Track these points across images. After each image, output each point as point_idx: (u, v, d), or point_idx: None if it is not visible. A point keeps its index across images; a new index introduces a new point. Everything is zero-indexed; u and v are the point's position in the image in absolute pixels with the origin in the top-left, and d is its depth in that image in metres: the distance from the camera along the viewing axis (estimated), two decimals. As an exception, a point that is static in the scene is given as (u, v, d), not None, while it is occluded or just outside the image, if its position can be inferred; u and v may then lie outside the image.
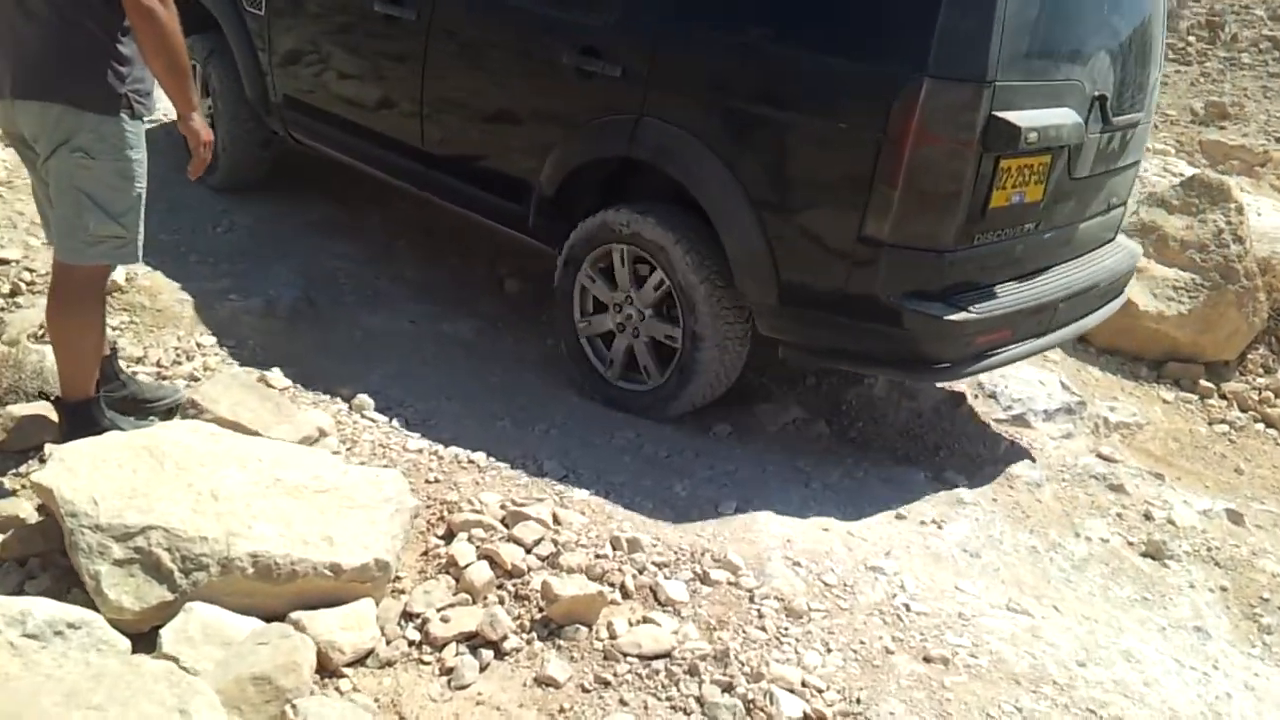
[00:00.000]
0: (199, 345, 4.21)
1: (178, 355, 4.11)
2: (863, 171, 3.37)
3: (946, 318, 3.43)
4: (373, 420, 3.74)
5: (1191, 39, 13.53)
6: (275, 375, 3.98)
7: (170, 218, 5.06)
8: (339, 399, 3.91)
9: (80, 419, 3.11)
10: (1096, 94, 3.73)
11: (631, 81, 3.82)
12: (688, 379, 3.92)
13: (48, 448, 3.05)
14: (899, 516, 3.67)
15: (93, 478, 2.68)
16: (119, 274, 4.42)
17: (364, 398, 3.89)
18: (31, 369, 3.62)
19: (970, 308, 3.48)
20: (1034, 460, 4.36)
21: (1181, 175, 8.75)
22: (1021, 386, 4.88)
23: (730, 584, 2.96)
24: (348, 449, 3.48)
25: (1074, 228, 4.07)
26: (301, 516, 2.69)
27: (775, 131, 3.62)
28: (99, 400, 3.19)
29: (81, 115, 2.88)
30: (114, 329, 4.18)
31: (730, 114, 3.69)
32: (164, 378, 3.95)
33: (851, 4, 3.50)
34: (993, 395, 4.82)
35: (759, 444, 4.13)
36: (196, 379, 3.93)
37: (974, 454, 4.34)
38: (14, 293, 4.31)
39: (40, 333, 4.00)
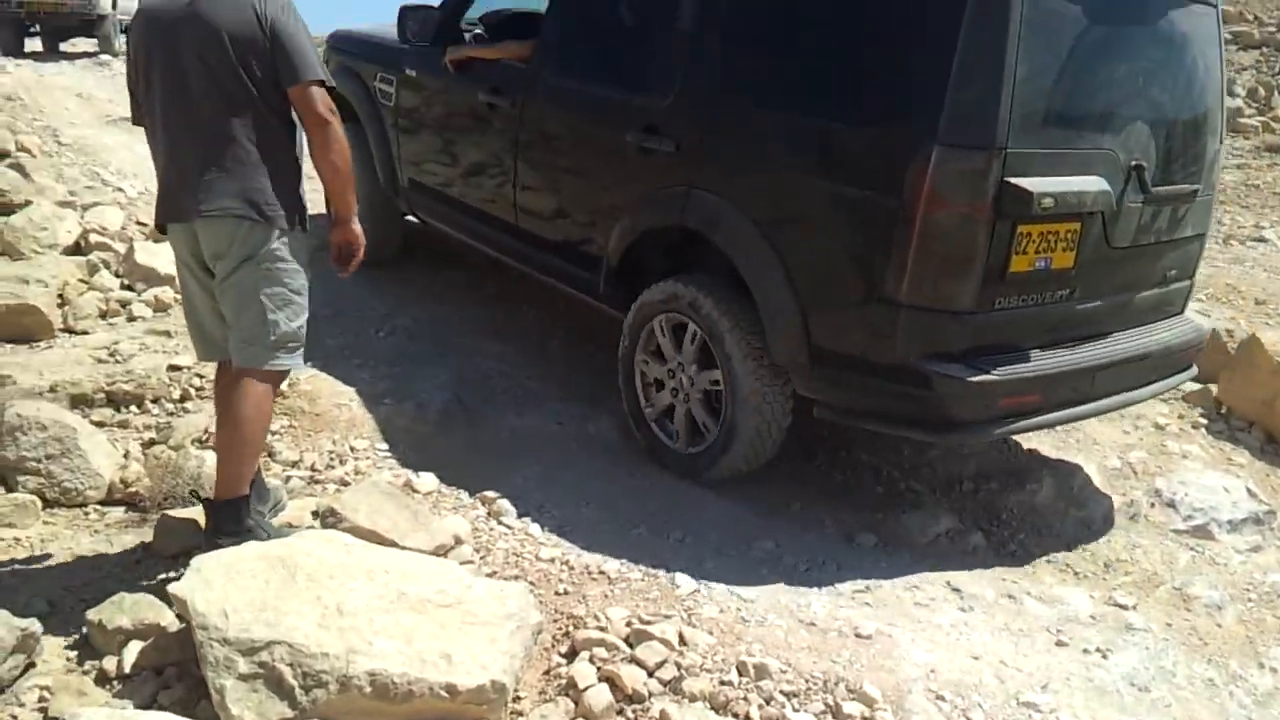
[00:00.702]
0: (352, 449, 4.33)
1: (331, 459, 4.25)
2: (882, 236, 3.51)
3: (969, 379, 3.49)
4: (509, 528, 3.75)
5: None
6: (421, 479, 4.07)
7: (334, 324, 5.30)
8: (480, 504, 3.94)
9: (229, 516, 3.24)
10: (1133, 164, 3.75)
11: (684, 156, 4.13)
12: (731, 438, 4.08)
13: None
14: (1060, 643, 3.39)
15: (226, 589, 2.75)
16: (283, 384, 4.66)
17: (503, 503, 3.91)
18: (189, 474, 3.80)
19: (993, 370, 3.53)
20: (1216, 577, 3.99)
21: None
22: (1204, 494, 4.51)
23: (864, 719, 2.78)
24: (481, 557, 3.49)
25: (1122, 298, 4.08)
26: (423, 632, 2.69)
27: (804, 198, 3.83)
28: (248, 501, 3.30)
29: (270, 230, 3.13)
30: (274, 433, 4.38)
31: (764, 183, 3.94)
32: (317, 481, 4.09)
33: (869, 77, 3.65)
34: (1171, 504, 4.48)
35: (906, 557, 3.90)
36: (347, 483, 4.05)
37: (1149, 571, 4.00)
38: (184, 398, 4.56)
39: (205, 438, 4.23)
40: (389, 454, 4.34)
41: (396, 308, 5.85)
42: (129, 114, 3.49)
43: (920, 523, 4.09)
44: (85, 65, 13.67)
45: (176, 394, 4.57)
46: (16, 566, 3.37)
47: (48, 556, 3.44)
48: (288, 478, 4.08)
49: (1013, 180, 3.35)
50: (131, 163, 8.26)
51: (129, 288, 5.56)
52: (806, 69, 3.84)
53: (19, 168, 6.85)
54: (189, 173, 3.09)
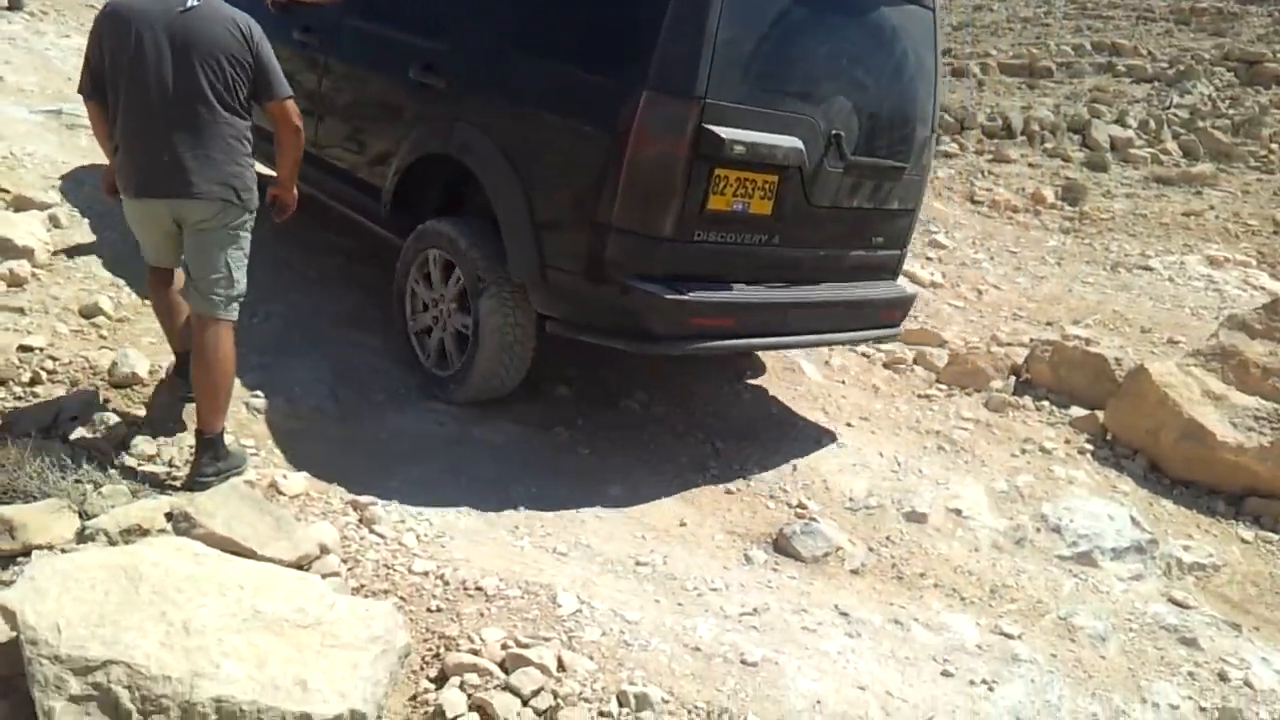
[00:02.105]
0: (216, 443, 4.04)
1: (190, 454, 3.95)
2: (600, 166, 4.02)
3: (664, 296, 4.00)
4: (381, 537, 3.52)
5: (1275, 146, 13.13)
6: (289, 481, 3.81)
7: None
8: (351, 509, 3.70)
9: (217, 448, 3.75)
10: (833, 133, 4.34)
11: (453, 92, 4.71)
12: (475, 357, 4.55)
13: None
14: (946, 673, 3.32)
15: (62, 600, 2.48)
16: (142, 368, 4.33)
17: (376, 509, 3.68)
18: (33, 467, 3.47)
19: (687, 293, 4.04)
20: (1099, 606, 3.99)
21: (1264, 288, 8.37)
22: (1088, 521, 4.55)
23: (747, 754, 2.65)
24: (349, 569, 3.26)
25: (827, 252, 4.69)
26: (278, 655, 2.46)
27: (544, 132, 4.35)
28: (223, 437, 3.80)
29: (243, 211, 3.83)
30: (131, 424, 4.06)
31: (513, 117, 4.48)
32: (174, 480, 3.80)
33: (601, 32, 4.20)
34: (1057, 529, 4.50)
35: (797, 576, 3.82)
36: (207, 481, 3.77)
37: (1034, 598, 3.98)
38: (34, 381, 4.19)
39: (53, 425, 3.89)
40: (255, 450, 4.07)
41: (269, 294, 5.49)
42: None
43: (811, 541, 4.00)
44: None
45: (26, 377, 4.19)
46: None
47: None
48: (142, 473, 3.79)
49: (710, 127, 3.90)
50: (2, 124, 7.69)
51: (-20, 260, 5.12)
52: (553, 21, 4.45)
53: None
54: (180, 158, 3.65)
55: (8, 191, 6.22)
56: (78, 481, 3.54)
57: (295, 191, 4.21)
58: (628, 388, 5.22)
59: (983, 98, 15.23)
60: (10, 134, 7.31)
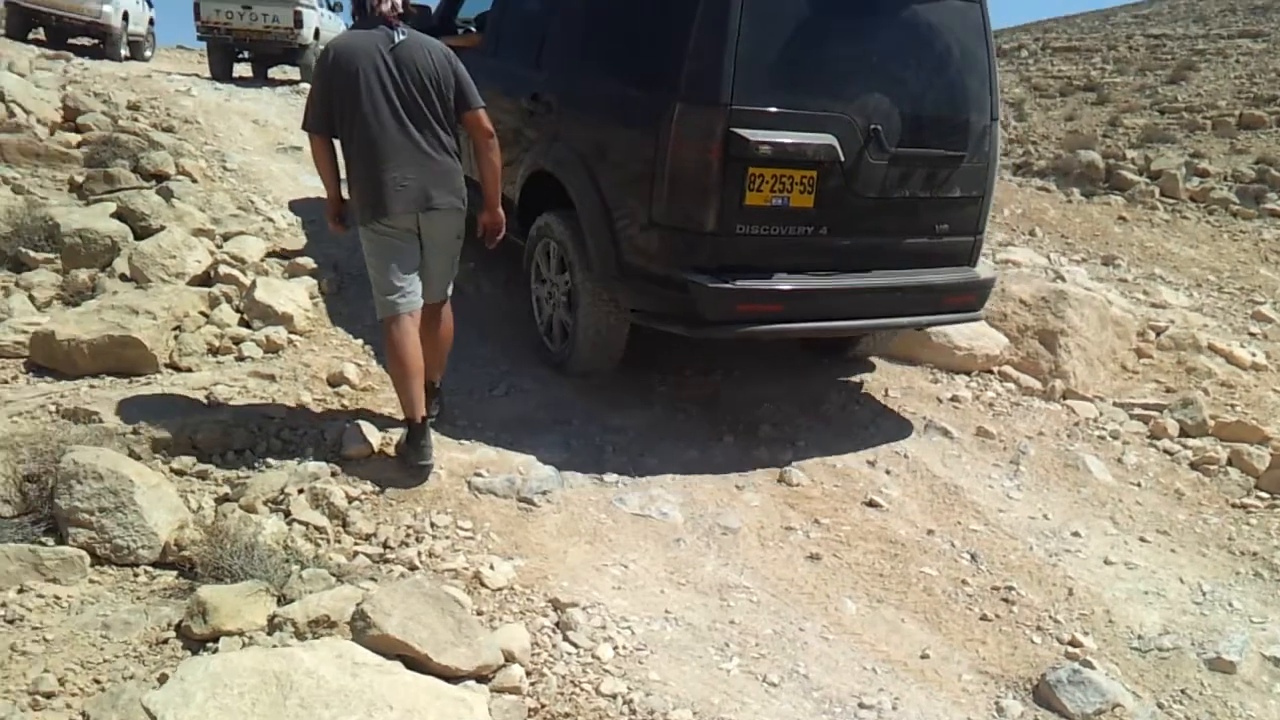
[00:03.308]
0: (432, 525, 3.91)
1: (407, 535, 3.84)
2: (650, 172, 4.54)
3: (710, 285, 4.42)
4: (575, 646, 3.21)
5: None
6: (495, 571, 3.61)
7: (449, 375, 4.93)
8: (551, 610, 3.44)
9: (440, 395, 4.68)
10: (871, 128, 4.62)
11: (551, 115, 5.41)
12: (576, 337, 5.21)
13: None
14: None
15: (206, 707, 2.35)
16: (374, 440, 4.29)
17: (576, 612, 3.39)
18: (243, 543, 3.43)
19: (733, 282, 4.46)
20: None
21: None
22: None
23: None
24: (532, 684, 2.97)
25: (881, 240, 4.92)
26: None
27: (613, 144, 4.95)
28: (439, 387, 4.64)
29: (463, 216, 4.37)
30: (353, 500, 4.01)
31: (592, 133, 5.13)
32: (386, 560, 3.68)
33: (649, 56, 4.77)
34: None
35: None
36: (416, 567, 3.63)
37: None
38: (269, 451, 4.23)
39: (280, 499, 3.89)
40: (470, 534, 3.90)
41: (519, 365, 5.45)
42: (303, 141, 4.40)
43: (1082, 694, 3.32)
44: (284, 93, 14.07)
45: (262, 447, 4.26)
46: (44, 632, 3.07)
47: (79, 622, 3.12)
48: (355, 553, 3.69)
49: (737, 130, 4.34)
50: (293, 192, 8.23)
51: (246, 324, 5.35)
52: (618, 50, 5.07)
53: (166, 192, 6.82)
54: (418, 175, 4.13)
55: (290, 256, 6.57)
56: (286, 560, 3.49)
57: (501, 213, 4.51)
58: (876, 483, 4.71)
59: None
60: (302, 206, 7.79)
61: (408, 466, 4.19)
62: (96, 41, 18.22)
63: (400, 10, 4.21)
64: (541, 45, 5.70)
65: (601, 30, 5.29)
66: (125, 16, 18.53)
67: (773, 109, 4.45)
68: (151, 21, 21.51)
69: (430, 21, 6.86)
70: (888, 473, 4.85)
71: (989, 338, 6.14)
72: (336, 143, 4.23)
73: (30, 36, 17.76)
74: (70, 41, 18.44)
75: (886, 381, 5.88)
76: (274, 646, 2.95)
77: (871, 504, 4.54)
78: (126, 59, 18.45)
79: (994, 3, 5.07)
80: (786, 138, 4.45)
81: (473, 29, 7.18)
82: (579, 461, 4.57)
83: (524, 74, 5.72)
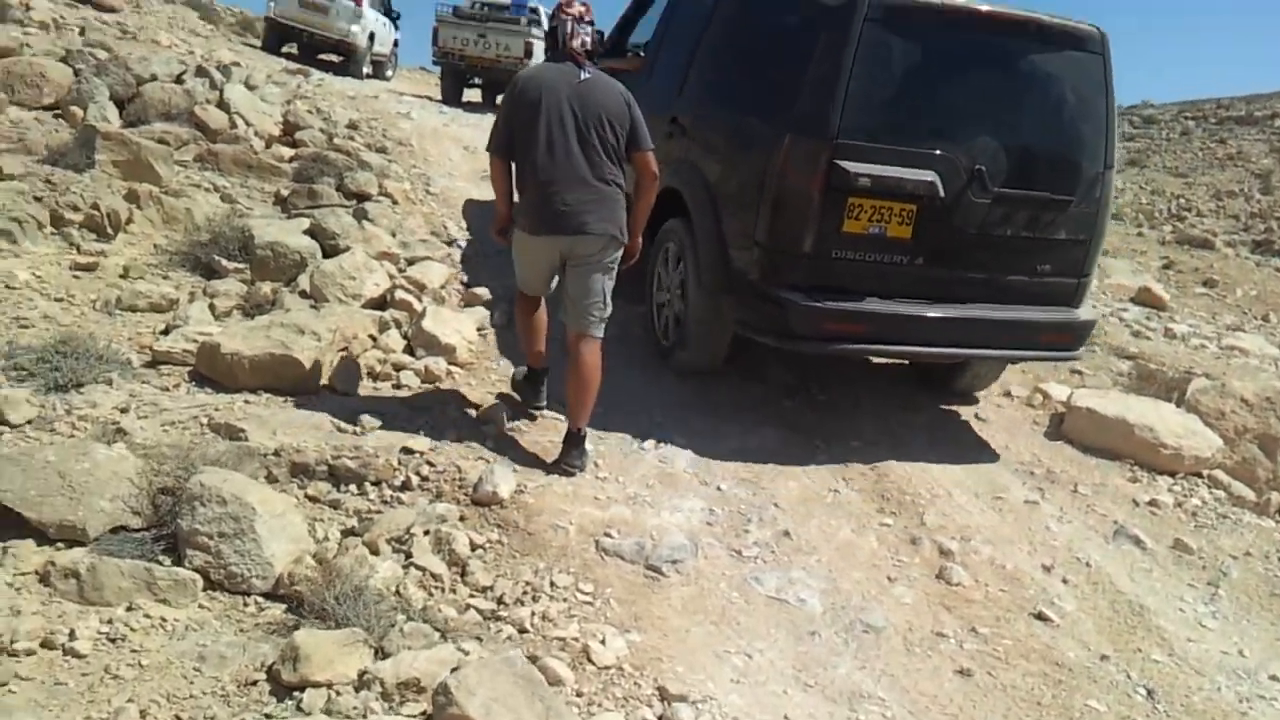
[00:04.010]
0: (552, 585, 3.72)
1: (524, 592, 3.66)
2: (758, 196, 4.93)
3: (800, 303, 4.77)
4: (674, 748, 2.94)
5: None
6: (605, 647, 3.38)
7: (599, 421, 4.77)
8: (657, 699, 3.18)
9: (581, 444, 4.58)
10: (975, 168, 4.85)
11: (684, 139, 5.89)
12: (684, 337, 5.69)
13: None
14: None
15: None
16: (504, 490, 4.14)
17: (682, 708, 3.11)
18: (352, 585, 3.33)
19: (822, 302, 4.78)
20: None
21: None
22: None
23: None
24: (620, 789, 2.71)
25: (980, 275, 5.10)
26: None
27: (732, 168, 5.41)
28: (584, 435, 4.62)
29: (620, 247, 4.58)
30: (475, 549, 3.87)
31: (716, 157, 5.60)
32: (498, 618, 3.52)
33: (768, 91, 5.18)
34: None
35: None
36: (526, 630, 3.44)
37: None
38: (405, 486, 4.17)
39: (405, 538, 3.79)
40: (590, 600, 3.69)
41: (671, 419, 5.22)
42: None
43: None
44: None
45: (399, 480, 4.19)
46: (141, 656, 3.04)
47: (177, 650, 3.09)
48: (467, 606, 3.54)
49: (840, 162, 4.65)
50: (488, 221, 8.30)
51: (411, 351, 5.34)
52: (745, 84, 5.56)
53: (361, 213, 6.98)
54: (578, 202, 4.39)
55: (467, 285, 6.58)
56: (393, 609, 3.37)
57: (640, 241, 4.80)
58: (1049, 592, 4.22)
59: None
60: (474, 218, 7.83)
61: (520, 406, 4.96)
62: (343, 58, 19.37)
63: (589, 48, 4.56)
64: (686, 74, 6.17)
65: (734, 65, 5.77)
66: (371, 37, 19.64)
67: (877, 145, 4.75)
68: (396, 43, 22.74)
69: (603, 45, 7.21)
70: (1064, 581, 4.35)
71: (1200, 436, 5.49)
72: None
73: (283, 50, 19.03)
74: (319, 57, 19.67)
75: (1078, 475, 5.33)
76: (354, 709, 2.82)
77: (1040, 617, 4.06)
78: (368, 77, 19.50)
79: (1254, 68, 4.77)
80: (887, 171, 4.73)
81: (641, 54, 7.63)
82: (719, 530, 4.30)
83: (669, 99, 6.17)
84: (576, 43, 4.53)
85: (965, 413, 6.06)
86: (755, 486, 4.72)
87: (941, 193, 4.78)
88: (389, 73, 21.84)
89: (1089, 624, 4.09)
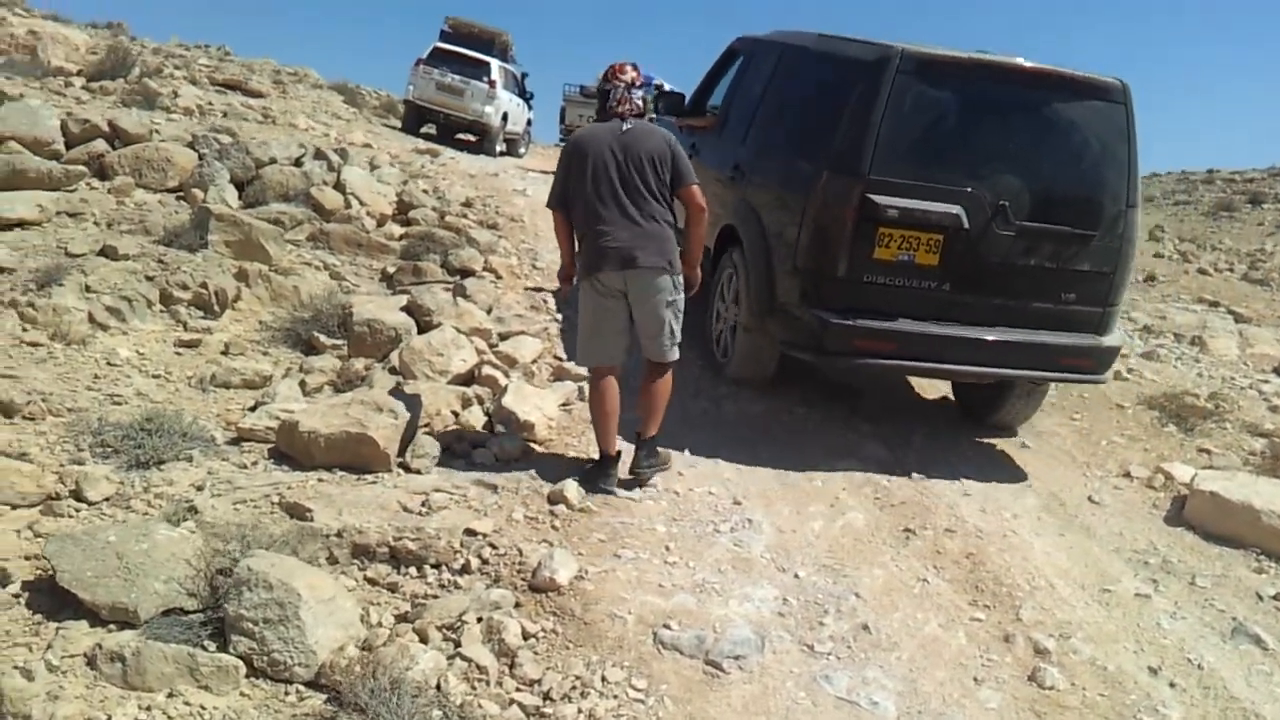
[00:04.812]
0: (603, 679, 3.56)
1: (573, 687, 3.50)
2: (798, 225, 5.57)
3: (833, 321, 5.37)
4: None
5: None
6: (647, 752, 3.18)
7: (678, 504, 4.60)
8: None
9: (648, 450, 5.00)
10: (1000, 203, 5.40)
11: (743, 182, 6.57)
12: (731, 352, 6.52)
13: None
14: None
15: None
16: (562, 576, 4.01)
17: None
18: (387, 680, 3.23)
19: (853, 321, 5.36)
20: None
21: None
22: None
23: None
24: None
25: (1005, 302, 5.58)
26: None
27: (778, 204, 5.97)
28: (657, 440, 5.05)
29: (676, 277, 4.90)
30: (531, 636, 3.74)
31: (765, 196, 6.20)
32: (541, 714, 3.37)
33: (811, 137, 5.85)
34: None
35: None
36: (565, 729, 3.28)
37: None
38: (464, 569, 4.08)
39: (457, 625, 3.69)
40: (642, 697, 3.50)
41: (759, 501, 5.01)
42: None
43: None
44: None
45: (459, 563, 4.11)
46: (169, 748, 3.01)
47: (208, 743, 3.04)
48: (511, 701, 3.40)
49: (871, 196, 5.23)
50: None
51: (490, 429, 5.30)
52: (793, 131, 6.24)
53: (460, 289, 7.04)
54: (631, 239, 4.73)
55: (561, 359, 6.54)
56: (430, 704, 3.25)
57: (699, 272, 5.14)
58: (1154, 698, 3.82)
59: None
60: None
61: (591, 486, 4.85)
62: (478, 138, 20.03)
63: (637, 110, 4.92)
64: (749, 127, 6.84)
65: (787, 115, 6.45)
66: (505, 117, 20.28)
67: (906, 181, 5.28)
68: (530, 122, 23.41)
69: (685, 106, 8.39)
70: (1172, 685, 3.94)
71: (1338, 526, 4.95)
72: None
73: (422, 131, 19.78)
74: (457, 137, 20.38)
75: (1197, 565, 4.89)
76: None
77: (1142, 727, 3.68)
78: (502, 154, 20.11)
79: None
80: (914, 204, 5.27)
81: (714, 114, 8.31)
82: (791, 623, 4.06)
83: (733, 150, 6.88)
84: (625, 108, 4.88)
85: (1077, 491, 5.66)
86: (837, 574, 4.46)
87: (966, 224, 5.32)
88: (522, 150, 22.48)
89: (1198, 737, 3.68)
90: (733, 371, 6.42)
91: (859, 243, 5.27)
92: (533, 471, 4.93)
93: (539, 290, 8.12)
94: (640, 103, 4.92)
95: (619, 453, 4.99)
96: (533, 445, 5.20)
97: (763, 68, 7.12)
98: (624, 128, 4.82)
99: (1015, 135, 5.54)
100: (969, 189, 5.33)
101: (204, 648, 3.37)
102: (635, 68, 4.98)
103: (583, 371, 6.22)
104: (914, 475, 5.58)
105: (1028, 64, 5.52)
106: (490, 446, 5.06)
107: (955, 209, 5.28)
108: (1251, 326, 10.81)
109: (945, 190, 5.31)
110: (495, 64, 20.11)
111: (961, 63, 5.46)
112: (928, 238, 5.30)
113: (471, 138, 20.46)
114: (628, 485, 4.95)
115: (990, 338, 5.47)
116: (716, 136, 7.39)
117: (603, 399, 4.92)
